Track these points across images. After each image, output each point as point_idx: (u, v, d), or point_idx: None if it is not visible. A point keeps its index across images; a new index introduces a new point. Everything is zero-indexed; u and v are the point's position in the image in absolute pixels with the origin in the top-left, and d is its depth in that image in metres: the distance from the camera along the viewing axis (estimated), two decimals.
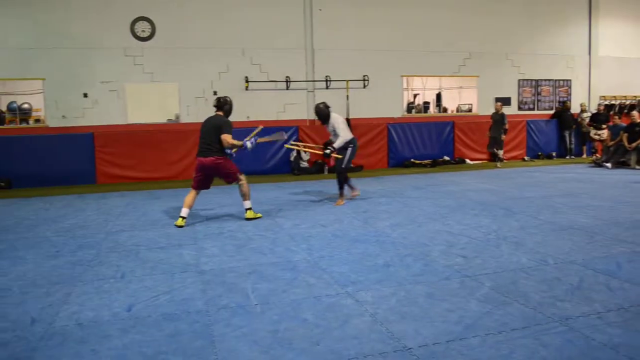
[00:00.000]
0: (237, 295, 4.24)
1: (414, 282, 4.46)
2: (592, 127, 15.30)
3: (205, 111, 13.10)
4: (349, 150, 8.15)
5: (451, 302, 3.98)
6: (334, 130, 8.09)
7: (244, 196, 7.26)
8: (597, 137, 15.06)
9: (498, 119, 13.85)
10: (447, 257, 5.14)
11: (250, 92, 13.35)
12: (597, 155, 14.71)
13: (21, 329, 3.69)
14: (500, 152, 14.03)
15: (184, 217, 6.97)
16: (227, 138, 6.91)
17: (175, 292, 4.37)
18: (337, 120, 8.08)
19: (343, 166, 8.06)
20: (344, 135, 8.03)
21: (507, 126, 13.83)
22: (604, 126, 14.84)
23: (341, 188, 8.28)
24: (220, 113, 7.29)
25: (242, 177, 7.20)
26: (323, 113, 8.09)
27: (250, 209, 7.32)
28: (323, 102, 8.24)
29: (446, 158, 14.62)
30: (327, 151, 8.09)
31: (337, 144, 8.00)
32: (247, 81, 13.22)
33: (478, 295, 4.12)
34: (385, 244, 5.74)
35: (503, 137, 13.77)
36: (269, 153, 13.15)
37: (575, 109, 16.50)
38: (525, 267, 4.76)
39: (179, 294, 4.32)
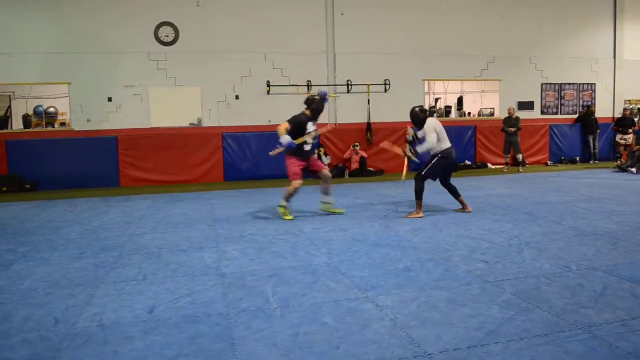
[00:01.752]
0: (258, 299, 4.25)
1: (435, 287, 4.43)
2: (617, 132, 15.08)
3: (227, 115, 13.20)
4: (435, 160, 7.33)
5: (472, 308, 3.94)
6: (423, 137, 7.57)
7: (284, 193, 7.57)
8: (622, 141, 14.83)
9: (513, 123, 13.74)
10: (468, 262, 5.10)
11: (272, 96, 13.40)
12: (622, 160, 14.47)
13: (45, 329, 3.74)
14: (520, 156, 13.90)
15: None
16: (279, 126, 7.39)
17: (196, 294, 4.39)
18: (429, 126, 7.38)
19: (422, 173, 7.33)
20: (431, 142, 7.32)
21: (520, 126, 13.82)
22: (630, 130, 14.61)
23: (418, 198, 7.38)
24: (307, 112, 7.60)
25: (296, 182, 7.47)
26: (417, 118, 7.50)
27: (283, 207, 7.54)
28: (419, 106, 7.63)
29: (467, 162, 14.51)
30: (407, 152, 7.57)
31: (420, 148, 7.39)
32: (268, 85, 13.28)
33: (499, 301, 4.08)
34: (406, 248, 5.71)
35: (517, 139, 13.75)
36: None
37: (599, 113, 16.28)
38: (547, 273, 4.70)
39: (199, 296, 4.34)
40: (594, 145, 15.72)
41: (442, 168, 7.40)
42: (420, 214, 7.34)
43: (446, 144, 7.35)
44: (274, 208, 8.49)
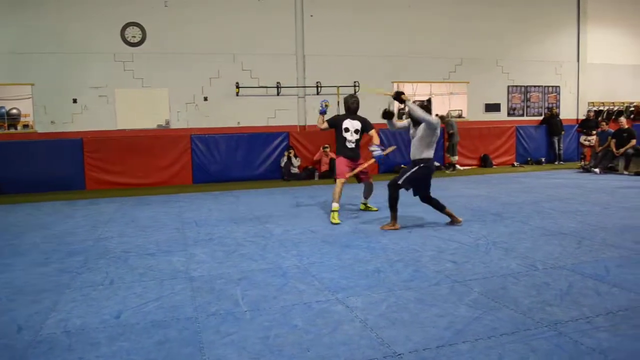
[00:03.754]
0: (227, 302, 4.22)
1: (404, 287, 4.46)
2: (582, 133, 15.41)
3: (195, 116, 13.08)
4: (416, 168, 6.61)
5: (441, 308, 3.98)
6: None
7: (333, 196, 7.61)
8: (587, 142, 15.18)
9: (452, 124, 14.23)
10: (437, 263, 5.15)
11: (241, 98, 13.34)
12: (586, 160, 14.81)
13: (8, 337, 3.65)
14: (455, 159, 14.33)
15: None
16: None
17: (164, 299, 4.34)
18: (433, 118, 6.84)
19: (399, 182, 6.67)
20: (429, 119, 6.71)
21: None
22: (593, 132, 14.96)
23: (392, 208, 6.79)
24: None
25: (338, 181, 7.66)
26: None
27: (333, 211, 7.41)
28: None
29: (436, 164, 14.66)
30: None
31: (416, 112, 6.66)
32: (237, 87, 13.21)
33: (467, 300, 4.13)
34: (376, 249, 5.75)
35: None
36: (260, 159, 13.15)
37: (564, 114, 16.64)
38: (514, 273, 4.78)
39: (168, 300, 4.29)
40: (559, 146, 16.03)
41: (421, 179, 6.61)
42: (397, 226, 6.75)
43: (431, 152, 6.58)
44: (244, 211, 8.46)
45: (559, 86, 16.72)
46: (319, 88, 13.86)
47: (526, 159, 15.80)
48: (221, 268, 5.17)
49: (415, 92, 16.44)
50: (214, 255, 5.69)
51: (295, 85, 13.74)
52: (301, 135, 13.62)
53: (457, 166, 14.79)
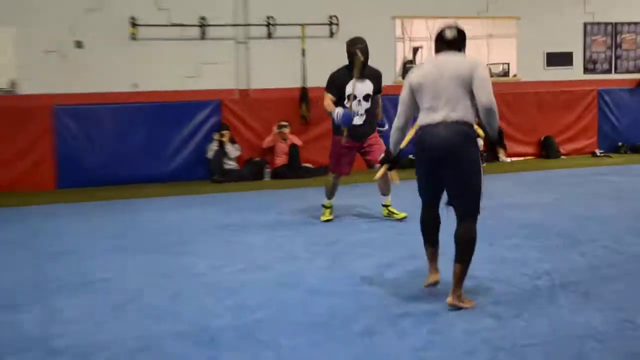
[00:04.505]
0: None
1: None
2: None
3: (61, 75, 12.88)
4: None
5: None
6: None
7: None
8: None
9: None
10: (469, 317, 5.14)
11: (140, 44, 13.20)
12: None
13: None
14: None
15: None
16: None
17: None
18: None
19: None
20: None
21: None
22: None
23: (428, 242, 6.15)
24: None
25: (332, 176, 8.71)
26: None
27: (325, 207, 8.81)
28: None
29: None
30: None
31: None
32: (133, 25, 13.09)
33: None
34: (366, 296, 5.72)
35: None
36: (172, 146, 13.08)
37: None
38: (598, 332, 4.79)
39: None
40: None
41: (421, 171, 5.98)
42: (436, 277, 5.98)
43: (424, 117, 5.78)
44: (145, 234, 8.43)
45: None
46: (272, 28, 13.81)
47: (616, 144, 15.99)
48: (104, 332, 5.08)
49: (431, 33, 16.49)
50: (91, 309, 5.61)
51: (232, 24, 13.68)
52: (242, 107, 13.58)
53: (502, 156, 14.93)
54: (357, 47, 8.20)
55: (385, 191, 8.83)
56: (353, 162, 8.70)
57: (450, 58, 5.63)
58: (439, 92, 5.51)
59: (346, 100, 8.20)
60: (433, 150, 5.52)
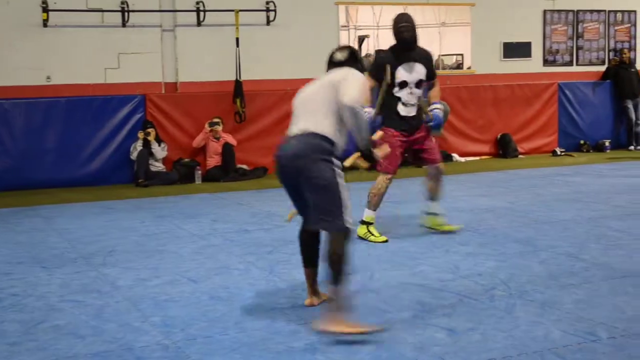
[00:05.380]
0: None
1: None
2: None
3: None
4: None
5: None
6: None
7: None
8: None
9: None
10: (421, 331, 5.16)
11: (53, 32, 13.08)
12: None
13: None
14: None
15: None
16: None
17: None
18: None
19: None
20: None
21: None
22: None
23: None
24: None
25: (383, 177, 8.16)
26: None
27: (367, 223, 8.04)
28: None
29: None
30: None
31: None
32: (45, 10, 12.94)
33: None
34: (307, 310, 5.72)
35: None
36: (90, 146, 13.01)
37: None
38: (558, 346, 4.83)
39: None
40: (635, 118, 16.53)
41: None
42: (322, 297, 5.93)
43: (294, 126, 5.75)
44: (60, 244, 8.34)
45: (634, 11, 17.28)
46: (201, 14, 13.75)
47: (577, 141, 16.22)
48: (14, 356, 4.99)
49: (378, 22, 16.59)
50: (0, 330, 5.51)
51: (159, 9, 13.61)
52: (169, 102, 13.52)
53: (455, 155, 15.06)
54: (400, 26, 7.96)
55: (434, 194, 8.40)
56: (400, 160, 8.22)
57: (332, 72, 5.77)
58: (305, 102, 5.64)
59: (397, 89, 7.88)
60: (282, 163, 5.54)
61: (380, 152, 6.02)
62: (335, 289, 5.21)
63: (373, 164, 6.00)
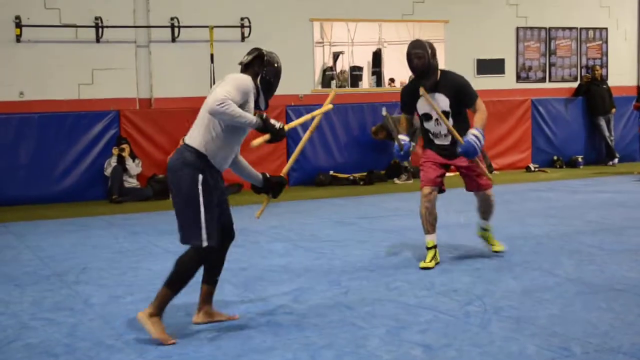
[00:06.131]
0: None
1: None
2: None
3: None
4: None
5: None
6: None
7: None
8: None
9: None
10: (396, 347, 5.18)
11: (26, 47, 13.04)
12: None
13: None
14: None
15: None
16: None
17: None
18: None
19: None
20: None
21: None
22: None
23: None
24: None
25: (425, 190, 7.83)
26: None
27: (429, 248, 7.67)
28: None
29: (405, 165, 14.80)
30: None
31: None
32: (19, 25, 12.91)
33: None
34: (282, 327, 5.73)
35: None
36: (64, 162, 12.97)
37: (615, 79, 17.23)
38: None
39: None
40: (609, 132, 16.65)
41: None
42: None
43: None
44: (32, 261, 8.33)
45: (606, 28, 17.41)
46: (176, 30, 13.75)
47: (551, 157, 16.30)
48: None
49: (353, 39, 16.65)
50: None
51: (133, 25, 13.61)
52: (144, 118, 13.52)
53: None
54: (410, 54, 7.52)
55: (486, 214, 8.32)
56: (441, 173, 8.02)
57: None
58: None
59: (425, 121, 7.71)
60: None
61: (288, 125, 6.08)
62: (167, 293, 5.54)
63: (274, 137, 5.79)
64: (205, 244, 5.49)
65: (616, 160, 16.51)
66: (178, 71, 13.86)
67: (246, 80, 5.86)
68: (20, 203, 12.55)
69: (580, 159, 16.40)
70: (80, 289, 7.10)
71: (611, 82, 17.16)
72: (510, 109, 15.97)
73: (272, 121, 5.72)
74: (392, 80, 16.33)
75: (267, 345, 5.37)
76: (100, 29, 13.31)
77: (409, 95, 7.75)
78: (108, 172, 12.94)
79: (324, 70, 15.55)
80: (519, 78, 16.62)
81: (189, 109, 13.67)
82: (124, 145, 13.01)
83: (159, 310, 5.51)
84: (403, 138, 7.77)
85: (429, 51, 7.45)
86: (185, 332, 5.72)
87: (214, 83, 13.67)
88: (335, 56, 16.50)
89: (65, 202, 12.76)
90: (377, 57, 16.43)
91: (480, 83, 15.90)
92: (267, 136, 5.72)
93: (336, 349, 5.23)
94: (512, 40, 16.52)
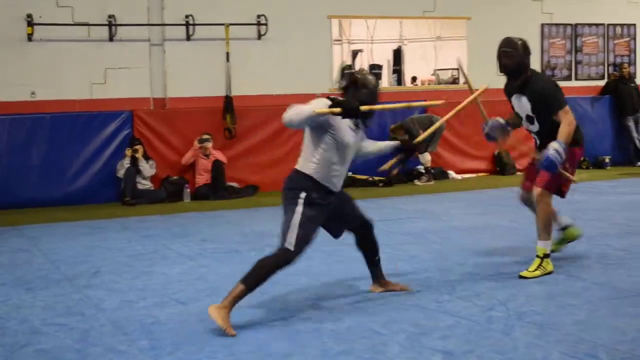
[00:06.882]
0: None
1: None
2: None
3: None
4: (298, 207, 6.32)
5: None
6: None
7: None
8: None
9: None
10: (416, 354, 5.17)
11: (38, 46, 13.08)
12: None
13: None
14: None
15: None
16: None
17: None
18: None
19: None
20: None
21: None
22: None
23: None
24: None
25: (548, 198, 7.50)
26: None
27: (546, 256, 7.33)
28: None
29: (419, 169, 14.78)
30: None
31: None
32: (30, 24, 12.95)
33: None
34: (302, 333, 5.72)
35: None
36: (76, 163, 13.01)
37: None
38: None
39: None
40: (637, 134, 16.62)
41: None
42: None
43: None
44: (44, 265, 8.35)
45: (634, 24, 17.34)
46: (191, 28, 13.78)
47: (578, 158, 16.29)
48: None
49: (372, 36, 16.66)
50: None
51: (147, 23, 13.65)
52: (157, 118, 13.55)
53: (451, 173, 15.07)
54: (499, 51, 7.71)
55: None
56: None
57: None
58: None
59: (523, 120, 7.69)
60: None
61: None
62: (241, 287, 5.85)
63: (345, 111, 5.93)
64: (292, 248, 6.04)
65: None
66: (193, 70, 13.89)
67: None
68: (32, 205, 12.58)
69: (607, 160, 16.33)
70: (92, 294, 7.11)
71: (639, 80, 17.09)
72: None
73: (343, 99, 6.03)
74: (414, 78, 16.33)
75: (283, 351, 5.35)
76: (113, 27, 13.36)
77: (507, 91, 7.98)
78: (121, 173, 12.96)
79: (342, 69, 15.54)
80: None
81: (204, 108, 13.76)
82: (137, 146, 13.01)
83: (230, 305, 5.83)
84: (497, 118, 7.86)
85: (521, 50, 7.54)
86: (199, 340, 5.72)
87: (229, 82, 13.75)
88: (354, 54, 16.51)
89: (77, 204, 12.77)
90: (397, 55, 16.43)
91: (503, 81, 15.82)
92: (337, 109, 5.87)
93: (354, 356, 5.22)
94: (537, 37, 16.47)
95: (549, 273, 7.25)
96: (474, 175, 15.44)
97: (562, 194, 7.71)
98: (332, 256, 8.44)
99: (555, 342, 5.36)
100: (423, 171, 14.63)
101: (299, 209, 6.10)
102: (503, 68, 7.67)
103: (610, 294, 6.56)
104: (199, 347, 5.48)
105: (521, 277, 7.21)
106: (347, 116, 5.95)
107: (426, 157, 14.48)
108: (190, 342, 5.62)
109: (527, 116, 7.52)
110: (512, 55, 7.52)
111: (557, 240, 7.93)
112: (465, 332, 5.63)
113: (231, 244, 9.41)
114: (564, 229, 7.94)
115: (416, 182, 14.53)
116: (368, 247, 6.82)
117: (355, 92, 6.30)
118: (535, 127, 7.54)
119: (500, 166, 15.56)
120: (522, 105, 7.54)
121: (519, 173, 15.40)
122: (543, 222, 7.43)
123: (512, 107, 7.85)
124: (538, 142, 7.67)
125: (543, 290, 6.72)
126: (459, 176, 15.15)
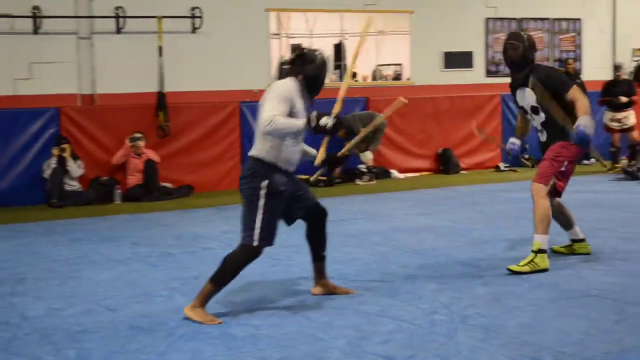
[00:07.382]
0: None
1: None
2: (607, 107, 16.08)
3: None
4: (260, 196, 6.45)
5: None
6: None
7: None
8: (615, 124, 15.76)
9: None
10: (356, 359, 5.17)
11: None
12: (625, 158, 15.36)
13: None
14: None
15: None
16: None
17: None
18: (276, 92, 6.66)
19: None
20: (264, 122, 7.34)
21: None
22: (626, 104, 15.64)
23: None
24: None
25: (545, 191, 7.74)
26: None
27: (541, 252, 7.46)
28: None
29: (361, 168, 14.78)
30: None
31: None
32: None
33: None
34: (237, 339, 5.70)
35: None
36: (0, 162, 12.90)
37: (589, 73, 17.34)
38: None
39: None
40: None
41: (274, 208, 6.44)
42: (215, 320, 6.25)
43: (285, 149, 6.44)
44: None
45: (579, 19, 17.56)
46: (121, 20, 13.68)
47: (522, 156, 16.40)
48: None
49: (312, 30, 16.63)
50: None
51: (74, 15, 13.53)
52: (86, 115, 13.45)
53: (394, 172, 15.10)
54: (504, 44, 7.98)
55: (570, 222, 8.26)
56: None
57: None
58: None
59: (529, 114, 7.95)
60: None
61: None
62: (209, 286, 6.19)
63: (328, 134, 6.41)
64: (256, 243, 6.21)
65: (592, 159, 16.57)
66: (123, 65, 13.79)
67: (287, 85, 6.44)
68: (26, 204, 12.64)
69: None
70: (16, 301, 7.03)
71: (585, 76, 17.26)
72: (479, 105, 16.00)
73: (322, 120, 6.23)
74: (354, 74, 16.32)
75: (218, 358, 5.34)
76: (38, 20, 13.21)
77: (512, 86, 8.09)
78: (47, 174, 12.79)
79: (281, 64, 15.51)
80: (488, 72, 16.69)
81: (135, 105, 13.66)
82: (64, 145, 12.86)
83: (201, 303, 6.19)
84: (512, 141, 8.28)
85: (526, 43, 7.77)
86: (131, 348, 5.65)
87: (162, 77, 13.67)
88: (293, 49, 16.48)
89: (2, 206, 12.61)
90: (339, 49, 16.43)
91: (447, 77, 16.07)
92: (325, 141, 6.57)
93: None
94: (481, 32, 16.58)
95: (543, 271, 7.34)
96: (417, 174, 15.48)
97: (558, 194, 8.04)
98: (267, 258, 8.40)
99: (499, 345, 5.39)
100: (365, 170, 14.65)
101: (261, 203, 6.19)
102: (508, 60, 7.99)
103: (557, 296, 6.61)
104: (130, 356, 5.44)
105: (509, 270, 7.38)
106: (331, 136, 6.52)
107: (368, 156, 14.52)
108: (121, 351, 5.58)
109: (532, 107, 7.79)
110: (517, 48, 7.78)
111: (564, 245, 8.27)
112: (407, 337, 5.64)
113: (164, 247, 9.35)
114: (576, 241, 8.17)
115: (358, 181, 14.54)
116: (318, 238, 6.82)
117: (302, 67, 6.54)
118: (541, 117, 7.77)
119: (444, 165, 15.61)
120: (526, 97, 7.78)
121: (463, 172, 15.51)
122: (539, 216, 7.72)
123: (516, 103, 8.13)
124: (545, 136, 7.91)
125: (488, 292, 6.75)
126: (401, 175, 15.19)
